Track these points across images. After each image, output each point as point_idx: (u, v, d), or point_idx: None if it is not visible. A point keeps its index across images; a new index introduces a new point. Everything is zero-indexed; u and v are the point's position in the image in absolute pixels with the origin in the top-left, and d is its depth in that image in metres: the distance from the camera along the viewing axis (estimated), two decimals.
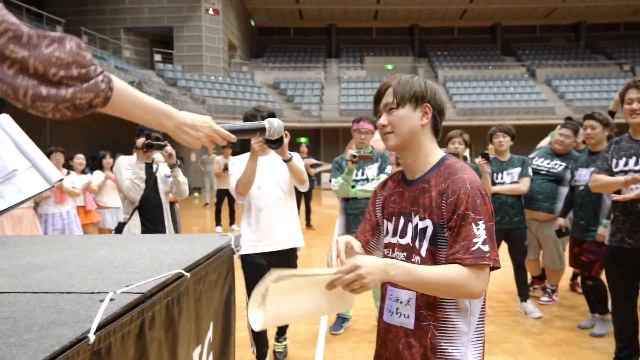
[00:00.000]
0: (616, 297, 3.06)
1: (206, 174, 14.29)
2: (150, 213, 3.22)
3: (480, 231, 1.35)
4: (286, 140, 2.83)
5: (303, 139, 13.62)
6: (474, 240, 1.34)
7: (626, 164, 2.87)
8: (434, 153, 1.50)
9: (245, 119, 2.99)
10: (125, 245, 2.05)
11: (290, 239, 3.09)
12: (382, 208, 1.61)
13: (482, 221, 1.35)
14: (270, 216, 3.02)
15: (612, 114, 4.48)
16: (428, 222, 1.42)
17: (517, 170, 4.34)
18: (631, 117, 2.80)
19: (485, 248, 1.34)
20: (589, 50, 31.17)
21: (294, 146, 10.56)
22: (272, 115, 2.93)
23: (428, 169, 1.48)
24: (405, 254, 1.48)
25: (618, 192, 2.88)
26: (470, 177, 1.40)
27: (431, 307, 1.41)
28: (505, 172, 4.37)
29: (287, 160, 2.92)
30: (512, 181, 4.34)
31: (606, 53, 30.88)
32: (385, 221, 1.60)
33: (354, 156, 3.49)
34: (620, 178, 2.76)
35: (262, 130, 1.43)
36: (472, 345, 1.43)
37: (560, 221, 4.16)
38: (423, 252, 1.42)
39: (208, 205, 14.56)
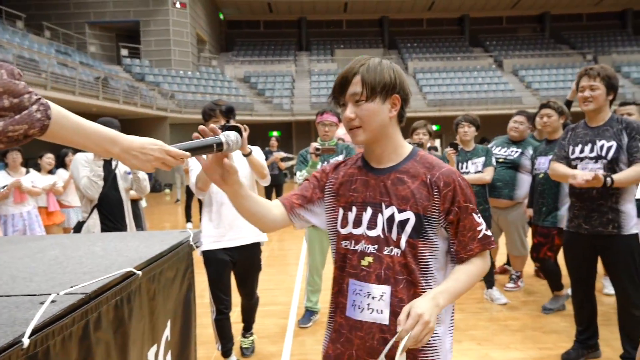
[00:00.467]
0: (575, 281, 3.13)
1: (176, 170, 14.10)
2: (110, 211, 3.14)
3: (480, 219, 1.42)
4: (245, 134, 2.80)
5: (275, 133, 13.58)
6: (478, 228, 1.40)
7: (582, 150, 2.93)
8: (403, 144, 1.46)
9: (204, 114, 3.00)
10: (78, 245, 2.00)
11: (253, 233, 3.05)
12: (336, 195, 1.50)
13: (477, 209, 1.43)
14: (232, 211, 2.98)
15: (569, 103, 4.58)
16: (409, 214, 1.37)
17: (481, 159, 4.40)
18: (584, 105, 2.86)
19: (489, 233, 1.43)
20: (553, 41, 31.82)
21: (266, 140, 10.50)
22: (230, 109, 2.91)
23: (401, 160, 1.43)
24: (376, 246, 1.40)
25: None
26: (453, 169, 1.44)
27: (408, 301, 1.36)
28: (469, 162, 4.42)
29: (247, 155, 2.90)
30: (477, 170, 4.39)
31: (570, 43, 31.58)
32: (341, 210, 1.48)
33: (318, 149, 3.49)
34: (575, 172, 2.76)
35: (219, 145, 1.30)
36: (448, 333, 1.45)
37: (529, 211, 4.21)
38: (402, 244, 1.37)
39: (179, 201, 14.39)
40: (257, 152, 3.08)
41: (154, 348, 1.68)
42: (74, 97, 15.25)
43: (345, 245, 1.46)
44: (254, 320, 3.47)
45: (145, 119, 19.90)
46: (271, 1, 29.76)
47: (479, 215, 1.41)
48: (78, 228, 3.08)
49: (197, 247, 2.18)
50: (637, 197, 2.82)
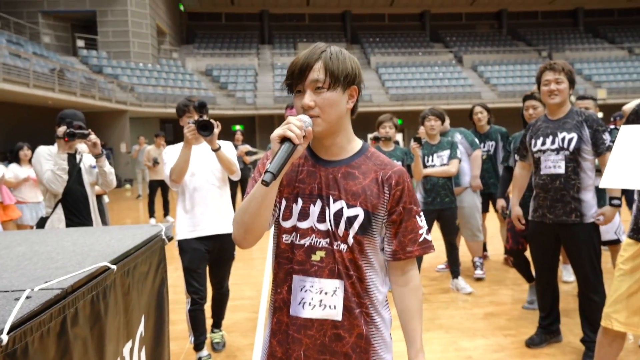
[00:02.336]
0: (539, 268, 3.25)
1: (136, 165, 13.78)
2: (75, 206, 3.04)
3: (423, 222, 1.42)
4: (216, 131, 2.85)
5: (238, 127, 13.42)
6: (420, 231, 1.40)
7: (543, 143, 3.02)
8: (355, 138, 1.43)
9: (178, 109, 3.09)
10: (46, 240, 1.93)
11: (226, 224, 3.10)
12: (278, 185, 1.36)
13: (421, 212, 1.43)
14: (204, 201, 3.06)
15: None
16: (359, 210, 1.34)
17: (447, 152, 4.48)
18: (550, 98, 2.95)
19: (429, 237, 1.43)
20: (510, 37, 32.69)
21: (229, 134, 10.37)
22: (202, 105, 2.92)
23: (352, 154, 1.39)
24: (327, 240, 1.34)
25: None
26: (404, 169, 1.43)
27: (360, 295, 1.36)
28: (435, 155, 4.50)
29: (216, 150, 2.95)
30: (442, 163, 4.47)
31: (526, 40, 32.52)
32: (284, 201, 1.38)
33: None
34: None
35: (293, 144, 1.23)
36: (387, 326, 1.44)
37: (501, 202, 4.26)
38: (350, 240, 1.34)
39: (141, 197, 14.07)
40: (227, 147, 3.13)
41: (129, 344, 1.64)
42: (28, 90, 14.66)
43: (287, 240, 1.38)
44: (223, 316, 3.44)
45: (104, 113, 19.33)
46: None
47: (422, 218, 1.42)
48: (42, 224, 2.96)
49: (169, 240, 2.14)
50: (598, 185, 2.93)
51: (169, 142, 9.60)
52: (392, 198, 1.36)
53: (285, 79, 1.35)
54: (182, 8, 31.03)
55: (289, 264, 1.38)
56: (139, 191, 14.42)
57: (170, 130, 10.16)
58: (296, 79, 1.32)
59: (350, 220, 1.34)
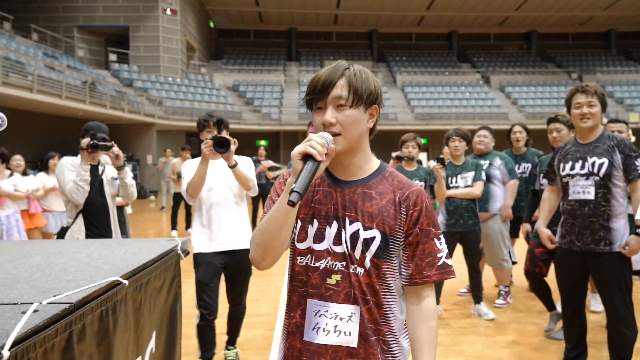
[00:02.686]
0: (565, 297, 3.12)
1: (161, 177, 13.97)
2: (95, 217, 3.07)
3: (442, 245, 1.37)
4: (233, 147, 2.89)
5: (262, 142, 13.52)
6: (439, 255, 1.35)
7: (572, 167, 2.93)
8: (373, 157, 1.40)
9: (198, 124, 3.16)
10: (62, 252, 1.93)
11: (242, 240, 3.10)
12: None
13: (441, 235, 1.37)
14: (220, 217, 3.08)
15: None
16: (375, 233, 1.30)
17: (471, 174, 4.40)
18: (581, 122, 2.86)
19: (449, 262, 1.37)
20: (539, 59, 32.34)
21: (254, 149, 10.44)
22: (220, 121, 2.94)
23: (369, 174, 1.37)
24: (344, 263, 1.31)
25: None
26: (423, 189, 1.39)
27: (378, 321, 1.31)
28: (459, 176, 4.42)
29: (232, 166, 2.96)
30: (466, 185, 4.39)
31: (555, 61, 32.13)
32: (299, 222, 1.36)
33: None
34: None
35: (316, 161, 1.22)
36: (403, 334, 1.40)
37: (526, 227, 4.14)
38: (367, 264, 1.30)
39: (164, 209, 14.22)
40: (245, 163, 3.15)
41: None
42: (60, 101, 15.07)
43: (302, 262, 1.35)
44: (239, 333, 3.41)
45: (132, 125, 19.73)
46: (262, 11, 29.86)
47: (442, 241, 1.36)
48: (62, 234, 3.00)
49: (185, 255, 2.13)
50: (635, 215, 2.81)
51: (195, 156, 9.71)
52: (409, 219, 1.33)
53: (306, 95, 1.34)
54: (212, 25, 31.66)
55: (304, 287, 1.35)
56: (163, 203, 14.58)
57: (196, 144, 10.20)
58: (318, 95, 1.31)
59: (367, 243, 1.31)
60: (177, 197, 9.39)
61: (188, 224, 9.64)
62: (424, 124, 24.11)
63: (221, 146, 2.84)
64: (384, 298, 1.33)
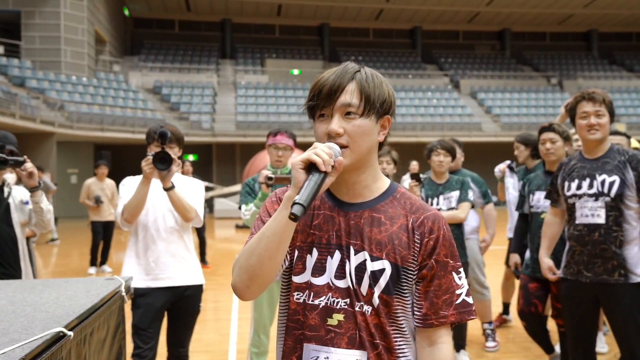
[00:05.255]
0: (574, 338, 3.18)
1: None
2: (1, 252, 2.92)
3: (462, 280, 1.38)
4: (175, 168, 2.93)
5: (190, 156, 13.19)
6: (458, 292, 1.36)
7: (579, 186, 3.03)
8: (382, 176, 1.42)
9: (147, 136, 3.13)
10: None
11: (186, 275, 3.11)
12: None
13: (461, 268, 1.39)
14: (160, 247, 3.06)
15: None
16: (385, 264, 1.31)
17: (456, 194, 4.39)
18: (589, 134, 2.97)
19: (470, 300, 1.38)
20: (514, 61, 33.86)
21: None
22: (163, 134, 2.90)
23: (378, 195, 1.38)
24: (347, 300, 1.31)
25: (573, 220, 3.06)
26: (441, 214, 1.40)
27: None
28: (441, 197, 4.40)
29: (167, 189, 2.96)
30: (449, 207, 4.39)
31: (532, 64, 33.76)
32: (296, 251, 1.37)
33: (270, 178, 3.41)
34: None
35: (322, 172, 1.25)
36: None
37: (515, 258, 4.19)
38: (375, 300, 1.30)
39: (56, 241, 13.36)
40: (193, 187, 3.18)
41: None
42: None
43: (300, 298, 1.35)
44: None
45: (25, 135, 18.97)
46: None
47: (462, 276, 1.38)
48: None
49: (129, 298, 2.07)
50: None
51: (108, 175, 9.40)
52: (424, 249, 1.34)
53: (308, 100, 1.35)
54: (126, 13, 31.20)
55: (300, 329, 1.35)
56: (54, 234, 13.51)
57: (108, 158, 9.93)
58: (323, 101, 1.32)
59: (375, 276, 1.31)
60: (97, 227, 9.02)
61: (103, 259, 9.27)
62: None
63: (162, 162, 2.88)
64: (396, 342, 1.33)
